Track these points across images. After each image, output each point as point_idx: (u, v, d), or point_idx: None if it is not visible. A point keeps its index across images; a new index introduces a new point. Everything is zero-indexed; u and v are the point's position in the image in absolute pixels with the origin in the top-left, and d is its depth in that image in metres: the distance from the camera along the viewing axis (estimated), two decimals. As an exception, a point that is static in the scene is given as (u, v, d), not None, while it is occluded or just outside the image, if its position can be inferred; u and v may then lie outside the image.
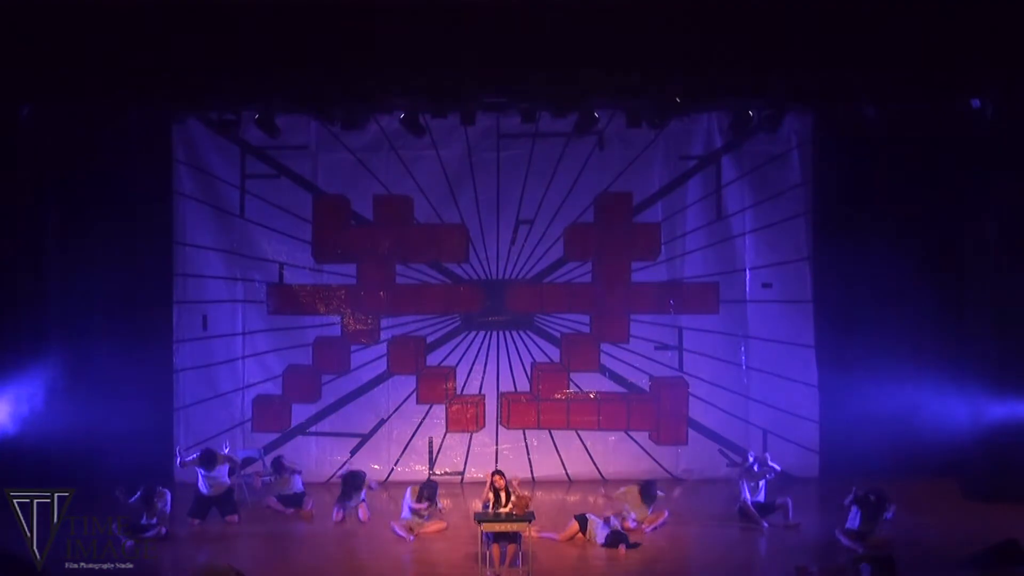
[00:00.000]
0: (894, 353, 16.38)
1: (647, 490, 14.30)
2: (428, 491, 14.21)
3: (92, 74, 14.08)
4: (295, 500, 15.39)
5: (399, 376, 17.61)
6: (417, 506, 14.10)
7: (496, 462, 17.02)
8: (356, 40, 13.64)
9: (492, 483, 13.29)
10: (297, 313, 17.50)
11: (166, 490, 13.90)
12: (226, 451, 15.22)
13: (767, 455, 15.12)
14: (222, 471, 14.74)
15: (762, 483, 14.68)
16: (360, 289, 17.56)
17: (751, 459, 14.91)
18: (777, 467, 14.82)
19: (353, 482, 14.88)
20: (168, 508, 13.78)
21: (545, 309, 17.68)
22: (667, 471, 17.45)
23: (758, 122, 16.76)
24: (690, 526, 14.38)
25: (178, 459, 14.93)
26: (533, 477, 17.34)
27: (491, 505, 13.13)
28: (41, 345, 16.09)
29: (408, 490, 14.28)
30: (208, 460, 14.64)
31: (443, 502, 14.55)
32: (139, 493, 13.74)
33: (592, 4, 13.52)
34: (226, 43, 13.56)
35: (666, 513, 14.28)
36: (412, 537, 13.79)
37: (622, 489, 14.52)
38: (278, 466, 15.56)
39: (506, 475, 13.32)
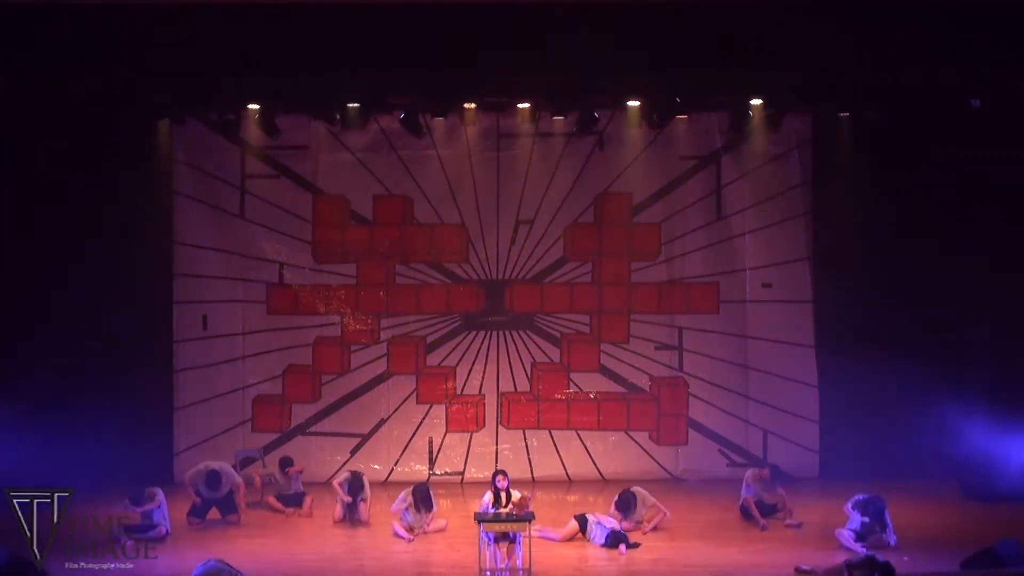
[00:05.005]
0: (894, 353, 16.36)
1: (623, 501, 14.13)
2: (426, 498, 14.03)
3: (92, 74, 14.06)
4: (295, 500, 15.39)
5: (399, 376, 17.62)
6: (415, 516, 14.00)
7: (496, 462, 17.03)
8: (356, 40, 13.62)
9: (494, 483, 13.29)
10: (297, 313, 17.51)
11: (157, 489, 13.82)
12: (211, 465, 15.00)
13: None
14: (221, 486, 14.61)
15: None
16: (360, 289, 17.57)
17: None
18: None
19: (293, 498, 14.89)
20: (164, 508, 13.71)
21: (545, 309, 17.69)
22: (667, 471, 17.46)
23: (758, 122, 16.77)
24: (690, 526, 14.38)
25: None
26: (533, 477, 17.35)
27: (491, 505, 13.13)
28: (40, 345, 16.08)
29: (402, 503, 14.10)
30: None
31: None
32: (133, 496, 13.69)
33: (592, 4, 13.51)
34: (226, 43, 13.55)
35: (665, 512, 14.24)
36: (412, 537, 13.78)
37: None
38: (286, 464, 15.57)
39: (514, 494, 13.27)
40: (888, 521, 13.26)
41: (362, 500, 14.74)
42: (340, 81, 15.29)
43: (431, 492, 14.11)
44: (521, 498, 13.02)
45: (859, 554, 11.84)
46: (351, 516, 14.65)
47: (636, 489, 14.31)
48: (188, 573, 10.89)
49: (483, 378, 17.65)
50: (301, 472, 15.67)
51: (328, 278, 17.56)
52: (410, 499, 13.97)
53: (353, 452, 17.41)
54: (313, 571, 12.57)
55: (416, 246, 17.59)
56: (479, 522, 12.48)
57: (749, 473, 14.88)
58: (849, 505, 13.43)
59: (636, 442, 17.60)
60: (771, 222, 17.45)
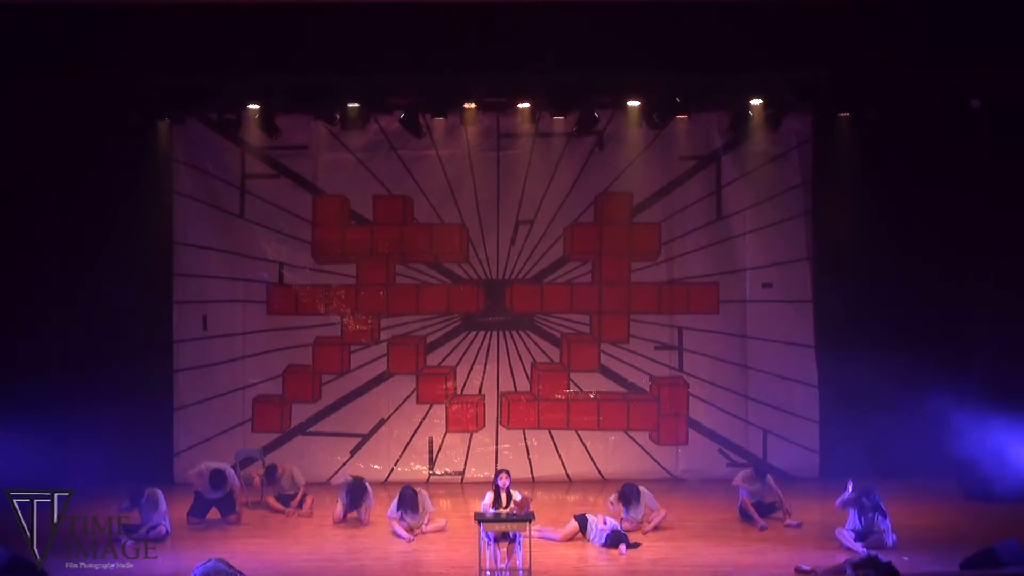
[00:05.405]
0: (894, 353, 16.35)
1: (625, 494, 14.18)
2: (411, 502, 14.03)
3: (92, 74, 14.06)
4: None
5: (399, 376, 17.62)
6: (408, 522, 14.03)
7: (496, 462, 17.04)
8: (356, 40, 13.62)
9: (496, 482, 13.29)
10: (297, 313, 17.51)
11: (159, 494, 13.81)
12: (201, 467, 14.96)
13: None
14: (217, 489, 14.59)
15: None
16: (360, 289, 17.57)
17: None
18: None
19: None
20: (163, 508, 13.70)
21: (545, 309, 17.69)
22: (667, 471, 17.46)
23: (758, 122, 16.77)
24: (690, 526, 14.38)
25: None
26: (533, 477, 17.35)
27: (491, 505, 13.13)
28: (40, 345, 16.08)
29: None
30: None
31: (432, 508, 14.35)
32: (132, 497, 13.67)
33: (592, 4, 13.51)
34: (226, 43, 13.55)
35: (664, 512, 14.24)
36: (412, 537, 13.79)
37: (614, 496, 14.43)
38: (271, 474, 15.50)
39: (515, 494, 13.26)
40: (885, 511, 13.23)
41: (363, 503, 14.74)
42: (340, 81, 15.28)
43: (416, 495, 14.08)
44: (522, 499, 13.02)
45: (859, 554, 11.86)
46: (351, 509, 14.61)
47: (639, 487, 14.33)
48: (188, 573, 10.91)
49: (483, 378, 17.65)
50: (303, 490, 15.52)
51: (328, 278, 17.55)
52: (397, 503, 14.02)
53: (353, 452, 17.41)
54: (313, 571, 12.57)
55: (416, 246, 17.59)
56: (479, 522, 12.48)
57: (738, 476, 14.88)
58: (841, 502, 13.39)
59: (636, 442, 17.60)
60: (771, 222, 17.44)
